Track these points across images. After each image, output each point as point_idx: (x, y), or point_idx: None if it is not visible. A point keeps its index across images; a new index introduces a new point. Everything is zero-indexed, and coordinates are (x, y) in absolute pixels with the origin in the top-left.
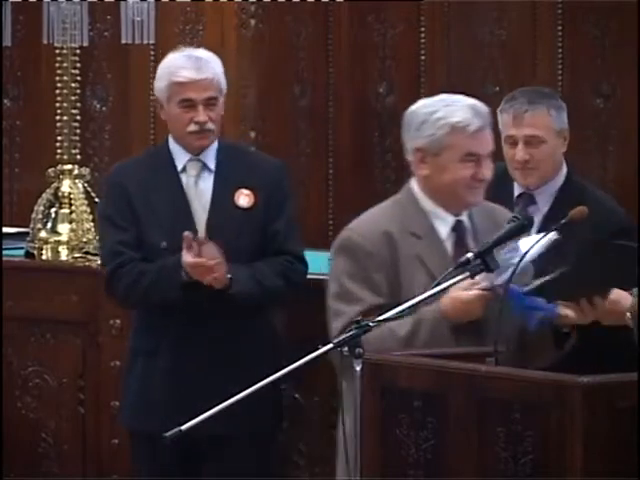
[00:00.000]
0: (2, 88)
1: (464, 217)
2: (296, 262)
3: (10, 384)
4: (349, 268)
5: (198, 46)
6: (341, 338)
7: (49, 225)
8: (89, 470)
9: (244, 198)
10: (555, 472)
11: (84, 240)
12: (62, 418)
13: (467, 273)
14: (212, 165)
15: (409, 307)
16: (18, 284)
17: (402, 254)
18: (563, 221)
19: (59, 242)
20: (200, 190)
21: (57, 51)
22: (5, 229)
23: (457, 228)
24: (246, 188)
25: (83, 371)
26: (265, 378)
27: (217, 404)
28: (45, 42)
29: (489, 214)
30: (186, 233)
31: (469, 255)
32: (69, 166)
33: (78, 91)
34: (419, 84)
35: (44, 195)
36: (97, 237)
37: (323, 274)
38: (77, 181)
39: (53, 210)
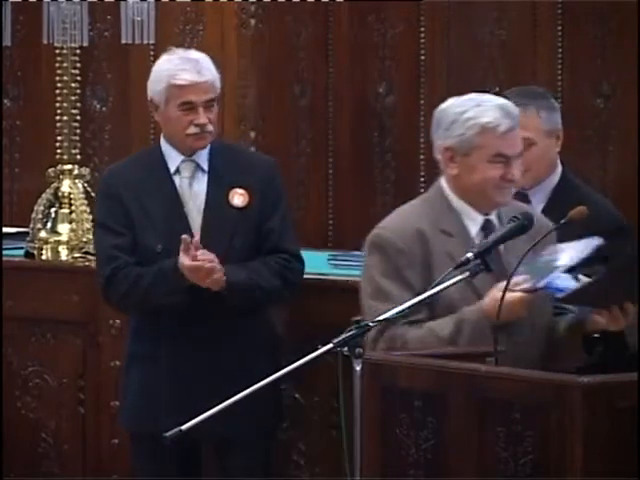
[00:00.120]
0: (2, 88)
1: (493, 216)
2: (293, 260)
3: (10, 384)
4: (382, 266)
5: (198, 46)
6: (341, 338)
7: (49, 225)
8: (89, 470)
9: (238, 197)
10: (555, 472)
11: (84, 240)
12: (62, 418)
13: (467, 273)
14: (205, 166)
15: (409, 307)
16: (18, 284)
17: (434, 251)
18: (563, 221)
19: (59, 242)
20: (194, 191)
21: (57, 51)
22: (5, 229)
23: (486, 227)
24: (240, 187)
25: (83, 371)
26: (265, 378)
27: (217, 404)
28: (45, 42)
29: (515, 211)
30: (184, 236)
31: (469, 255)
32: (69, 166)
33: (78, 91)
34: (419, 84)
35: (44, 195)
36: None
37: (323, 274)
38: (77, 181)
39: (53, 210)
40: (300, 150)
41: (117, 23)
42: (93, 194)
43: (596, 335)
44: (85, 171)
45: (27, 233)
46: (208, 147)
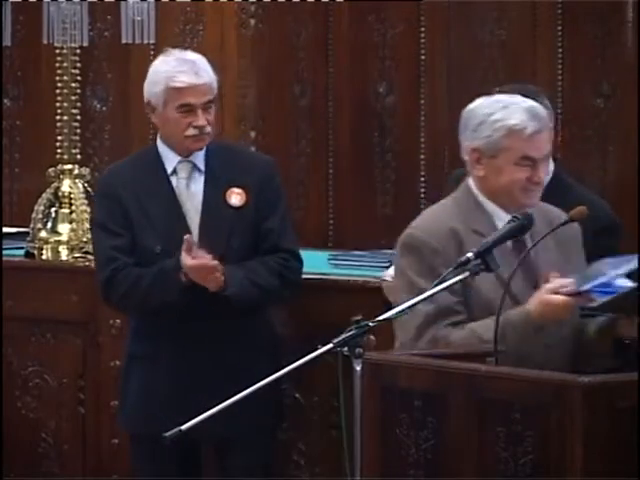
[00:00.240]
0: (2, 88)
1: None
2: (291, 259)
3: (10, 384)
4: (417, 266)
5: (198, 46)
6: (341, 338)
7: (49, 225)
8: (89, 470)
9: (236, 197)
10: (555, 472)
11: (84, 240)
12: (62, 418)
13: (467, 273)
14: (202, 166)
15: (409, 307)
16: (18, 284)
17: (468, 251)
18: (562, 221)
19: (59, 242)
20: (192, 192)
21: (57, 51)
22: (5, 229)
23: None
24: (237, 187)
25: (83, 371)
26: (265, 378)
27: (218, 405)
28: (45, 42)
29: (544, 214)
30: (187, 236)
31: (469, 255)
32: (69, 166)
33: (78, 91)
34: (419, 84)
35: (44, 195)
36: None
37: (323, 274)
38: (77, 181)
39: (53, 210)
40: (300, 150)
41: (117, 23)
42: (93, 194)
43: (627, 341)
44: (85, 171)
45: (27, 233)
46: (204, 148)
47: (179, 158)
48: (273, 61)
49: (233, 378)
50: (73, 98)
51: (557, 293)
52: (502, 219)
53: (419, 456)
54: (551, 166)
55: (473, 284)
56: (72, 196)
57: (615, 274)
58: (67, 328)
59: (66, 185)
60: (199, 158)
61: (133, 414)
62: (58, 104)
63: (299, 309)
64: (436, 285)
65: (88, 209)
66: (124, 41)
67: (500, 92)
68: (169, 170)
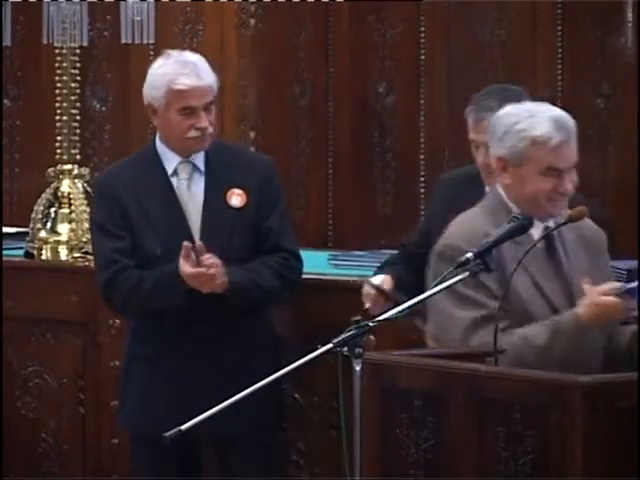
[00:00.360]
0: (2, 88)
1: (551, 223)
2: (292, 259)
3: (10, 384)
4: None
5: (198, 46)
6: (341, 338)
7: (49, 225)
8: (89, 470)
9: (236, 198)
10: (555, 472)
11: (84, 240)
12: (62, 418)
13: (467, 273)
14: (202, 167)
15: (409, 307)
16: (18, 284)
17: (505, 257)
18: (562, 221)
19: (59, 242)
20: (193, 193)
21: (57, 51)
22: (5, 229)
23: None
24: (237, 187)
25: (83, 371)
26: (265, 378)
27: (218, 404)
28: (45, 42)
29: (574, 224)
30: (185, 243)
31: (469, 255)
32: (69, 166)
33: (78, 91)
34: (419, 84)
35: (44, 195)
36: None
37: (323, 274)
38: (77, 181)
39: (53, 210)
40: (300, 150)
41: (117, 23)
42: (93, 194)
43: None
44: (85, 171)
45: (27, 233)
46: None
47: (179, 159)
48: (273, 61)
49: (233, 379)
50: (73, 98)
51: (606, 295)
52: (535, 226)
53: (419, 456)
54: None
55: (511, 287)
56: (72, 196)
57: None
58: (67, 328)
59: (66, 185)
60: (199, 159)
61: (133, 414)
62: (58, 104)
63: (299, 309)
64: (436, 285)
65: (87, 209)
66: (124, 41)
67: (484, 94)
68: (169, 171)
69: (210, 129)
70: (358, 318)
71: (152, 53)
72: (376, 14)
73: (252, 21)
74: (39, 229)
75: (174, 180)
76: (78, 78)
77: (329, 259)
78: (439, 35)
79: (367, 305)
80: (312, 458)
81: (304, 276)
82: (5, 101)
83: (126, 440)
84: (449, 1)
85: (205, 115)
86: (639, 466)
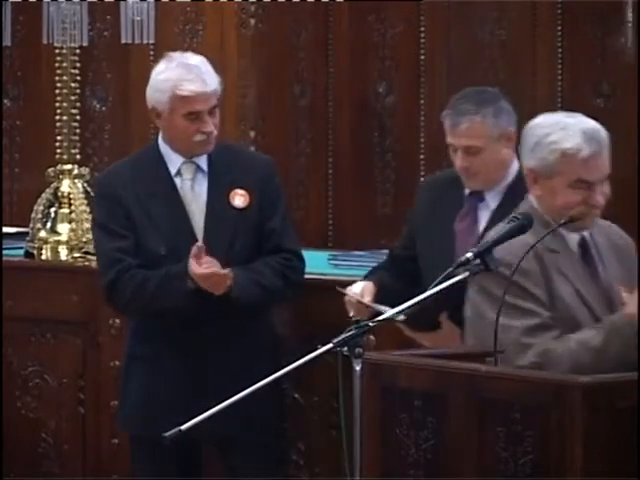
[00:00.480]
0: (2, 88)
1: (585, 232)
2: (294, 259)
3: (10, 384)
4: (515, 291)
5: (198, 46)
6: (341, 338)
7: (49, 225)
8: (89, 470)
9: (239, 198)
10: (555, 472)
11: (84, 240)
12: (62, 418)
13: (467, 273)
14: (205, 167)
15: (409, 307)
16: (18, 284)
17: (548, 267)
18: (563, 221)
19: (59, 242)
20: (196, 193)
21: (57, 51)
22: (5, 229)
23: (582, 243)
24: (240, 188)
25: (83, 371)
26: (265, 378)
27: (218, 404)
28: (45, 42)
29: (606, 233)
30: (197, 244)
31: (469, 255)
32: (69, 166)
33: (78, 91)
34: (419, 84)
35: (44, 195)
36: None
37: (323, 274)
38: (77, 181)
39: (53, 210)
40: (300, 150)
41: (117, 23)
42: (93, 194)
43: None
44: (85, 171)
45: (27, 233)
46: None
47: (182, 159)
48: (273, 61)
49: (235, 379)
50: (73, 98)
51: None
52: (572, 238)
53: (419, 456)
54: (514, 165)
55: (556, 297)
56: (72, 196)
57: None
58: (67, 328)
59: (66, 185)
60: (202, 159)
61: (133, 415)
62: (58, 104)
63: (299, 309)
64: (436, 285)
65: (88, 209)
66: (124, 41)
67: (460, 98)
68: (173, 171)
69: (215, 132)
70: (358, 318)
71: (152, 53)
72: (376, 14)
73: (252, 21)
74: (39, 229)
75: (178, 180)
76: (78, 78)
77: (329, 259)
78: (439, 35)
79: (351, 313)
80: (312, 458)
81: (304, 276)
82: (5, 101)
83: (126, 440)
84: (449, 1)
85: (210, 119)
86: (639, 466)
